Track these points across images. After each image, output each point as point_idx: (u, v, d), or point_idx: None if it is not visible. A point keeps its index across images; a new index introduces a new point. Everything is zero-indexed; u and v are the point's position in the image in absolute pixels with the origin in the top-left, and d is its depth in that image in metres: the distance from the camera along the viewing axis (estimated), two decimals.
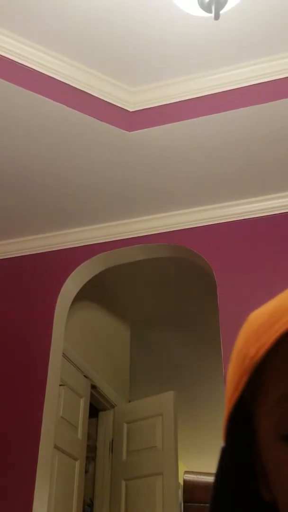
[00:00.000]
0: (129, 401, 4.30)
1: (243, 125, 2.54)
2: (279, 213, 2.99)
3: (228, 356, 2.64)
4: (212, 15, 1.91)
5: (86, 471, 3.65)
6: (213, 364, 4.77)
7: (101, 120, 2.52)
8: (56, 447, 3.03)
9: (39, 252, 3.30)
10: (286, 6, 2.21)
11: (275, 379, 0.41)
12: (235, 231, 3.04)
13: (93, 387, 3.77)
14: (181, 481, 4.08)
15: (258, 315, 0.45)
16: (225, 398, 0.46)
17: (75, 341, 3.59)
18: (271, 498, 0.42)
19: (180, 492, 3.77)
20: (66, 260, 3.24)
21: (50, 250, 3.29)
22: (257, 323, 0.44)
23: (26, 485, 2.65)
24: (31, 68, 2.39)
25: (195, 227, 3.10)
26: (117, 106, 2.57)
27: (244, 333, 0.45)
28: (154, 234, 3.16)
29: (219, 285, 2.90)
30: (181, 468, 4.13)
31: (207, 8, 1.93)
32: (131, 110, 2.59)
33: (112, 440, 3.91)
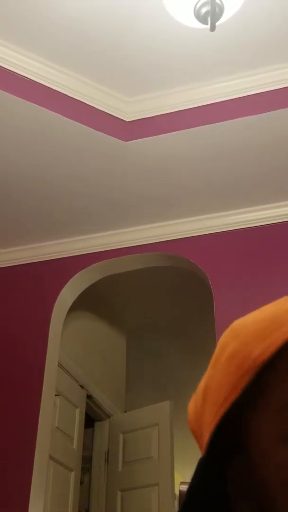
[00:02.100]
0: (125, 411, 4.28)
1: (239, 135, 2.55)
2: (275, 223, 3.00)
3: None
4: (208, 26, 1.92)
5: (81, 482, 3.62)
6: None
7: (97, 130, 2.53)
8: (51, 457, 3.01)
9: (35, 261, 3.30)
10: (282, 18, 2.23)
11: (280, 382, 0.40)
12: (231, 240, 3.04)
13: (89, 397, 3.75)
14: (177, 492, 4.05)
15: (253, 321, 0.44)
16: (208, 403, 0.44)
17: (71, 350, 3.58)
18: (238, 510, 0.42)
19: (176, 503, 3.75)
20: (62, 269, 3.24)
21: (46, 259, 3.29)
22: (256, 326, 0.43)
23: (21, 496, 2.63)
24: (28, 78, 2.40)
25: (191, 236, 3.11)
26: (114, 116, 2.59)
27: (238, 336, 0.44)
28: (150, 243, 3.16)
29: (215, 294, 2.90)
30: (177, 479, 4.10)
31: (203, 20, 1.95)
32: (127, 120, 2.60)
33: (108, 451, 3.89)
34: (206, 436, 0.43)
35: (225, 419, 0.43)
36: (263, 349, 0.41)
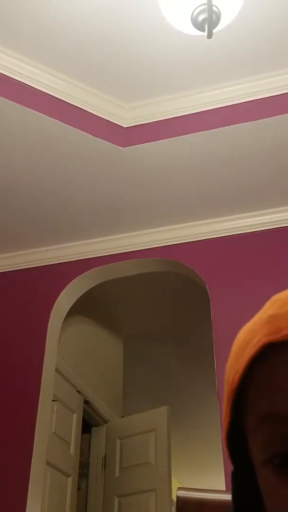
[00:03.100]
0: (122, 416, 4.27)
1: (236, 142, 2.56)
2: (271, 228, 3.01)
3: (221, 370, 2.64)
4: (205, 33, 1.94)
5: (78, 488, 3.61)
6: (207, 379, 4.77)
7: (95, 136, 2.54)
8: (48, 463, 3.00)
9: (32, 266, 3.30)
10: (278, 26, 2.25)
11: (252, 402, 0.39)
12: (228, 245, 3.05)
13: (86, 402, 3.75)
14: (174, 498, 4.04)
15: (240, 334, 0.43)
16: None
17: (68, 356, 3.58)
18: None
19: (173, 509, 3.74)
20: (59, 274, 3.24)
21: (43, 264, 3.29)
22: (237, 343, 0.43)
23: (18, 502, 2.62)
24: (26, 84, 2.41)
25: (189, 242, 3.11)
26: (112, 122, 2.60)
27: (230, 354, 0.44)
28: (148, 248, 3.17)
29: (212, 299, 2.91)
30: (175, 484, 4.10)
31: (200, 27, 1.96)
32: (125, 126, 2.62)
33: (105, 456, 3.88)
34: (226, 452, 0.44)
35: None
36: (234, 374, 0.41)
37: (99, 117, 2.57)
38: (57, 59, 2.39)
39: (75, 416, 3.54)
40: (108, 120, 2.59)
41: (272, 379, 0.38)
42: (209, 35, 1.93)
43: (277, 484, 0.37)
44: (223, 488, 2.68)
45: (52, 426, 3.15)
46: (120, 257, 3.21)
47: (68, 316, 3.40)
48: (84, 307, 3.72)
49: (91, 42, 2.32)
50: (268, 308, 0.41)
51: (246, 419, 0.40)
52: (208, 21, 1.91)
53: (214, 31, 1.96)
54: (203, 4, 1.92)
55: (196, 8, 1.94)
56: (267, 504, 0.39)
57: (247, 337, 0.41)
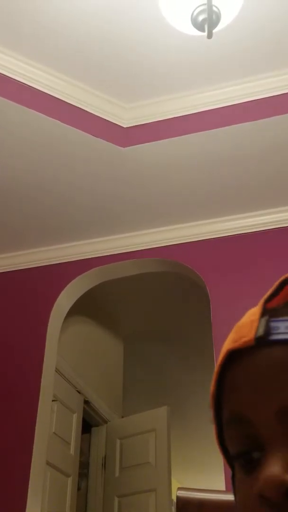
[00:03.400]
0: (122, 417, 4.27)
1: (235, 142, 2.56)
2: (272, 228, 3.01)
3: None
4: (205, 34, 1.94)
5: (78, 488, 3.61)
6: (207, 379, 4.76)
7: (95, 136, 2.54)
8: (48, 463, 3.00)
9: (32, 266, 3.30)
10: (279, 25, 2.25)
11: (224, 406, 0.43)
12: (228, 246, 3.05)
13: (86, 402, 3.75)
14: (174, 498, 4.04)
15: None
16: None
17: (68, 356, 3.58)
18: None
19: (173, 509, 3.74)
20: (59, 274, 3.24)
21: (43, 264, 3.29)
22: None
23: (18, 502, 2.62)
24: (26, 85, 2.41)
25: (188, 242, 3.11)
26: (111, 122, 2.60)
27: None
28: (147, 249, 3.17)
29: (212, 299, 2.91)
30: (175, 485, 4.10)
31: (200, 27, 1.96)
32: (125, 126, 2.62)
33: (105, 456, 3.88)
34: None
35: None
36: (212, 381, 0.44)
37: (99, 117, 2.57)
38: (57, 59, 2.39)
39: (75, 416, 3.54)
40: (108, 120, 2.59)
41: (234, 383, 0.42)
42: (209, 35, 1.93)
43: (241, 480, 0.41)
44: (223, 488, 2.68)
45: (52, 426, 3.15)
46: (120, 257, 3.21)
47: (68, 316, 3.40)
48: (84, 307, 3.72)
49: (91, 42, 2.32)
50: (240, 320, 0.46)
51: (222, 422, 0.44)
52: (208, 21, 1.91)
53: (214, 31, 1.96)
54: (203, 4, 1.92)
55: (196, 8, 1.94)
56: (235, 498, 0.42)
57: (223, 347, 0.45)
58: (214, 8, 1.93)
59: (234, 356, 0.42)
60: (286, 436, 0.39)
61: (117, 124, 2.61)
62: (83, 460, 3.84)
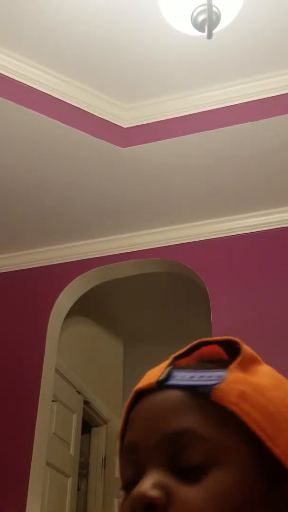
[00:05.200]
0: None
1: (236, 142, 2.56)
2: (272, 229, 3.01)
3: None
4: (205, 34, 1.93)
5: (78, 488, 3.61)
6: None
7: (95, 136, 2.54)
8: (48, 463, 3.00)
9: (32, 267, 3.30)
10: (279, 25, 2.25)
11: (128, 428, 0.52)
12: (228, 246, 3.05)
13: (86, 402, 3.74)
14: None
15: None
16: None
17: (68, 356, 3.57)
18: None
19: None
20: (59, 275, 3.24)
21: (43, 265, 3.29)
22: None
23: (18, 503, 2.62)
24: (26, 85, 2.41)
25: (189, 242, 3.11)
26: (111, 122, 2.60)
27: None
28: (148, 249, 3.17)
29: (212, 300, 2.91)
30: None
31: (200, 27, 1.96)
32: (125, 126, 2.62)
33: (105, 457, 3.88)
34: None
35: None
36: (130, 396, 0.54)
37: (99, 117, 2.57)
38: (57, 59, 2.39)
39: (75, 416, 3.54)
40: (108, 121, 2.59)
41: (133, 418, 0.51)
42: (209, 36, 1.93)
43: (123, 502, 0.48)
44: None
45: (52, 426, 3.15)
46: (120, 258, 3.21)
47: (68, 316, 3.40)
48: (84, 307, 3.72)
49: (91, 42, 2.32)
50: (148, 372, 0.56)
51: None
52: (208, 22, 1.91)
53: (214, 31, 1.95)
54: (203, 5, 1.92)
55: (196, 8, 1.94)
56: None
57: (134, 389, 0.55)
58: (214, 9, 1.93)
59: (140, 395, 0.52)
60: (160, 459, 0.46)
61: (117, 125, 2.60)
62: (83, 461, 3.84)
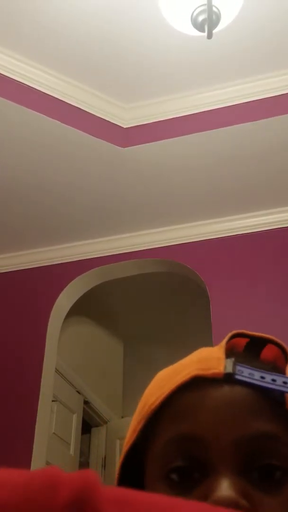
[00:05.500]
0: (122, 417, 4.27)
1: (236, 142, 2.56)
2: (272, 229, 3.01)
3: None
4: (205, 34, 1.93)
5: None
6: None
7: (95, 136, 2.54)
8: (48, 463, 3.00)
9: (32, 267, 3.30)
10: (279, 25, 2.25)
11: (166, 425, 0.46)
12: (228, 246, 3.05)
13: (86, 402, 3.74)
14: None
15: (164, 371, 0.52)
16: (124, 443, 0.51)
17: (68, 356, 3.58)
18: None
19: None
20: (59, 275, 3.24)
21: (43, 265, 3.29)
22: (161, 377, 0.51)
23: None
24: (26, 85, 2.41)
25: (189, 242, 3.11)
26: (111, 123, 2.60)
27: (149, 386, 0.51)
28: (148, 249, 3.17)
29: (212, 300, 2.91)
30: None
31: (200, 27, 1.96)
32: (125, 126, 2.62)
33: (105, 457, 3.88)
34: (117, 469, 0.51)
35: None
36: (156, 398, 0.48)
37: (99, 117, 2.57)
38: (57, 59, 2.39)
39: (75, 416, 3.54)
40: (108, 121, 2.59)
41: (194, 405, 0.46)
42: (209, 36, 1.93)
43: (170, 495, 0.43)
44: None
45: (52, 426, 3.15)
46: (120, 258, 3.21)
47: (68, 316, 3.40)
48: (84, 307, 3.72)
49: (91, 42, 2.32)
50: (195, 355, 0.51)
51: (153, 440, 0.47)
52: (208, 22, 1.91)
53: (214, 31, 1.95)
54: (203, 5, 1.92)
55: (196, 8, 1.94)
56: None
57: (174, 371, 0.49)
58: (214, 9, 1.93)
59: (195, 383, 0.47)
60: (237, 461, 0.43)
61: (117, 125, 2.60)
62: (83, 461, 3.84)
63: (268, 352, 0.51)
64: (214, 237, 3.08)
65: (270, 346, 0.52)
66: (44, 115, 2.43)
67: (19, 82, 2.40)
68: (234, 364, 0.47)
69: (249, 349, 0.52)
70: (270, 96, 2.47)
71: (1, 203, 2.92)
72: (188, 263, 3.07)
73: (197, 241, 3.10)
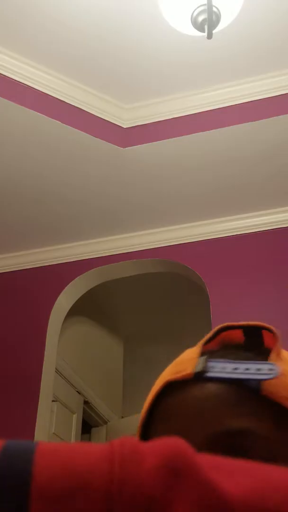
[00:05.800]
0: (122, 417, 4.27)
1: (235, 142, 2.56)
2: (271, 229, 3.01)
3: None
4: (205, 34, 1.94)
5: None
6: None
7: (94, 136, 2.54)
8: None
9: (32, 267, 3.30)
10: (279, 26, 2.25)
11: (155, 430, 0.48)
12: (228, 246, 3.05)
13: (86, 403, 3.74)
14: None
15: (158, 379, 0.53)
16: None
17: (68, 356, 3.58)
18: None
19: None
20: (59, 275, 3.24)
21: (43, 265, 3.29)
22: (166, 370, 0.52)
23: None
24: (26, 85, 2.41)
25: (188, 242, 3.11)
26: (111, 123, 2.60)
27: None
28: (147, 249, 3.17)
29: (212, 300, 2.91)
30: None
31: (200, 28, 1.96)
32: (124, 126, 2.62)
33: None
34: None
35: None
36: (144, 408, 0.50)
37: (99, 117, 2.57)
38: (57, 59, 2.39)
39: (75, 416, 3.54)
40: (107, 121, 2.59)
41: (170, 411, 0.47)
42: (209, 36, 1.93)
43: None
44: None
45: (52, 426, 3.15)
46: (120, 258, 3.21)
47: (68, 317, 3.40)
48: (84, 307, 3.72)
49: (91, 43, 2.32)
50: (176, 358, 0.52)
51: (150, 438, 0.48)
52: (208, 22, 1.91)
53: (214, 31, 1.96)
54: (203, 5, 1.92)
55: (196, 8, 1.94)
56: None
57: (161, 376, 0.51)
58: (214, 9, 1.93)
59: (170, 387, 0.48)
60: None
61: (116, 125, 2.61)
62: None
63: (268, 339, 0.51)
64: (214, 237, 3.08)
65: (265, 332, 0.52)
66: (44, 115, 2.43)
67: (19, 82, 2.40)
68: (206, 361, 0.47)
69: (250, 339, 0.51)
70: (270, 96, 2.47)
71: (1, 203, 2.92)
72: (188, 263, 3.07)
73: (197, 241, 3.10)
